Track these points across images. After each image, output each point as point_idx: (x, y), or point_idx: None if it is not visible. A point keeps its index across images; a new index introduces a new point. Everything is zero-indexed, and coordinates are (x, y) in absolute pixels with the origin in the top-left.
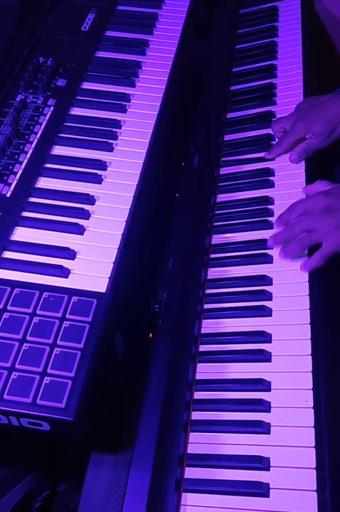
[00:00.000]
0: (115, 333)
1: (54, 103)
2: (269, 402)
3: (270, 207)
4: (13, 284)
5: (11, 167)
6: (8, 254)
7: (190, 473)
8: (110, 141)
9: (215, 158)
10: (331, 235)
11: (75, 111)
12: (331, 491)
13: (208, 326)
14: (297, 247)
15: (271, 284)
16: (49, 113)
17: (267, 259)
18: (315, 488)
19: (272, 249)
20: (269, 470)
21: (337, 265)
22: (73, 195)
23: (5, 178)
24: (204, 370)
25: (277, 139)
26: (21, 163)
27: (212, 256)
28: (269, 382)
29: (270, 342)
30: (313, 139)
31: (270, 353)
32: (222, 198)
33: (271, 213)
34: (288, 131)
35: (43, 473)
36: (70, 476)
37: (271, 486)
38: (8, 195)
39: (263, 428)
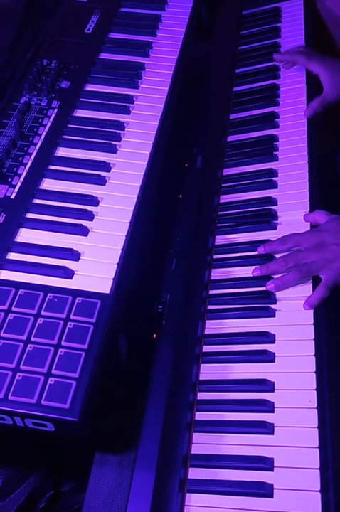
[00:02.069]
0: (119, 334)
1: (58, 105)
2: (273, 403)
3: (273, 207)
4: (18, 285)
5: (15, 169)
6: (12, 256)
7: (194, 473)
8: (114, 142)
9: (218, 159)
10: (328, 267)
11: (79, 113)
12: (335, 492)
13: (212, 326)
14: (295, 277)
15: None
16: (53, 115)
17: (271, 260)
18: (319, 488)
19: (258, 275)
20: (272, 470)
21: None
22: (77, 197)
23: (9, 179)
24: (208, 371)
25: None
26: (25, 164)
27: (215, 257)
28: (273, 383)
29: (274, 342)
30: None
31: (274, 353)
32: (225, 198)
33: (274, 214)
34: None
35: (47, 474)
36: (74, 477)
37: (275, 487)
38: (12, 196)
39: (267, 428)
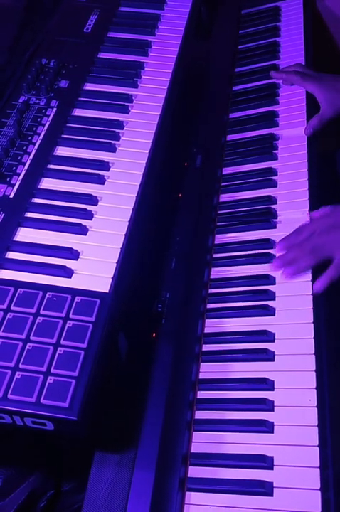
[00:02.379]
0: (118, 333)
1: (57, 104)
2: (273, 401)
3: (273, 206)
4: (17, 284)
5: (14, 168)
6: (11, 255)
7: (194, 472)
8: (113, 141)
9: (217, 158)
10: None
11: (78, 112)
12: (335, 490)
13: (211, 325)
14: (309, 261)
15: (274, 283)
16: (52, 114)
17: (270, 259)
18: (319, 486)
19: (278, 269)
20: (272, 469)
21: None
22: (76, 196)
23: (8, 179)
24: (207, 370)
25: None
26: (24, 164)
27: (215, 256)
28: (273, 382)
29: (273, 341)
30: None
31: (273, 352)
32: (224, 197)
33: (274, 213)
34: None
35: (46, 474)
36: (74, 476)
37: (274, 485)
38: (11, 196)
39: (266, 427)
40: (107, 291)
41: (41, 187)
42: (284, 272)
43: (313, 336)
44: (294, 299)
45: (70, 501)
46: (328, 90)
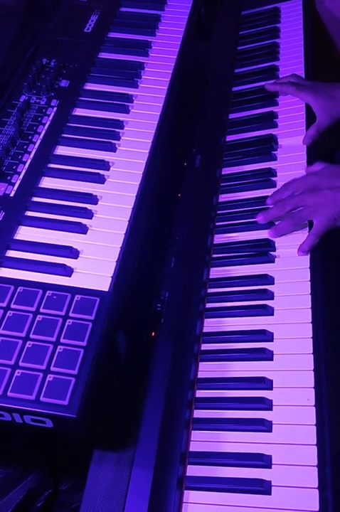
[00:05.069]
0: (118, 332)
1: (57, 104)
2: (271, 401)
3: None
4: (17, 282)
5: (14, 167)
6: (11, 253)
7: (192, 471)
8: (113, 141)
9: (217, 159)
10: (320, 212)
11: (78, 111)
12: (333, 489)
13: (210, 324)
14: (288, 224)
15: (273, 283)
16: (52, 113)
17: (269, 259)
18: (317, 485)
19: (262, 223)
20: (270, 468)
21: (339, 265)
22: (76, 195)
23: (9, 177)
24: (206, 369)
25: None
26: (25, 163)
27: (214, 255)
28: (271, 381)
29: (272, 341)
30: None
31: (272, 351)
32: (224, 198)
33: None
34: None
35: (44, 473)
36: (72, 475)
37: (273, 484)
38: (11, 194)
39: (265, 426)
40: (107, 289)
41: (41, 186)
42: (268, 232)
43: (311, 336)
44: (292, 298)
45: (68, 501)
46: (324, 99)
